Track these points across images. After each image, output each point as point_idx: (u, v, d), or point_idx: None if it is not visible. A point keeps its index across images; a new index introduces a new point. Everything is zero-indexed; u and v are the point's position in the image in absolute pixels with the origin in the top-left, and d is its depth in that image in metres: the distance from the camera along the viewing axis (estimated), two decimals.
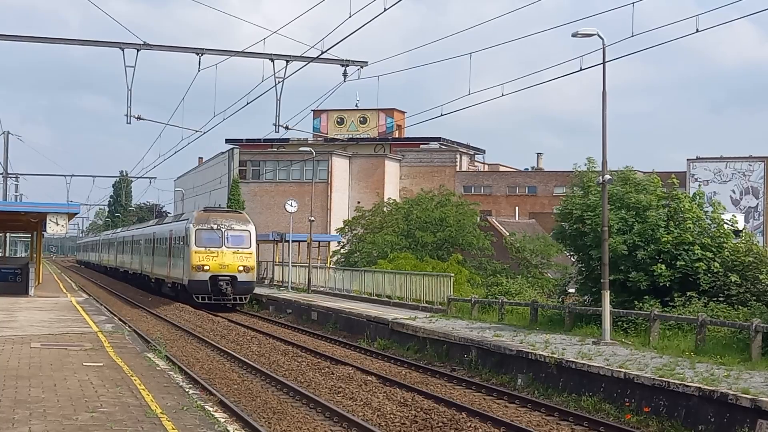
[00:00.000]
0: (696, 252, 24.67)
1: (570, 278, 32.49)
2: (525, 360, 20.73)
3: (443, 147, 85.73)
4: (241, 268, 41.21)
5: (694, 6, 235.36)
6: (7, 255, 69.38)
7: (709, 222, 26.06)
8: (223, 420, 12.96)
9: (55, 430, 11.23)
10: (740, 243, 25.54)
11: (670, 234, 25.14)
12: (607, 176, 23.17)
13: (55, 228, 36.31)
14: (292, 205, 47.99)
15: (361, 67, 25.78)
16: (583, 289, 27.99)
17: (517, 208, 79.21)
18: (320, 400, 17.54)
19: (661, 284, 24.69)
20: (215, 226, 42.05)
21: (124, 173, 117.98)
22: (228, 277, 40.98)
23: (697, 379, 16.32)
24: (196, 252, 41.30)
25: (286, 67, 25.81)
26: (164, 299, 46.38)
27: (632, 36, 20.03)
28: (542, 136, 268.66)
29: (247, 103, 28.95)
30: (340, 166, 78.92)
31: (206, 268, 40.99)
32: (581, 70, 21.34)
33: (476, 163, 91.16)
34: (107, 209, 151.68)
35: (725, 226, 26.00)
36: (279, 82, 25.97)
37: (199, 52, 25.75)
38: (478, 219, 57.63)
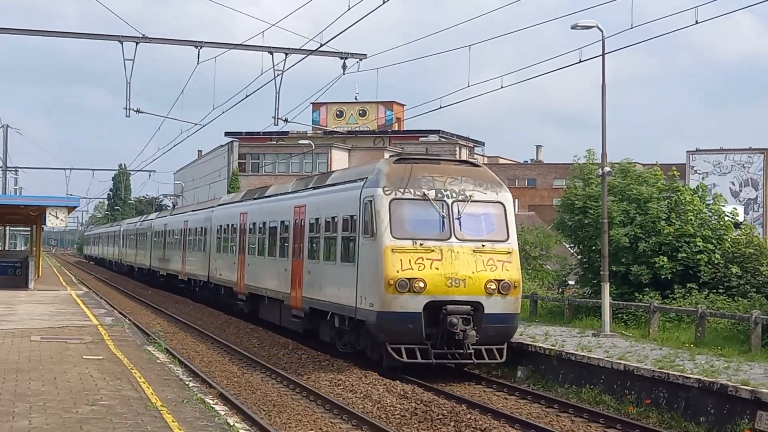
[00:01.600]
0: (698, 244, 24.70)
1: (570, 270, 32.50)
2: (525, 352, 20.71)
3: (442, 139, 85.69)
4: (491, 286, 19.74)
5: None
6: (6, 248, 69.40)
7: (710, 214, 26.09)
8: (223, 413, 12.97)
9: (55, 423, 11.23)
10: (741, 235, 25.59)
11: (671, 226, 25.17)
12: (607, 168, 23.18)
13: (54, 221, 36.31)
14: None
15: (360, 59, 25.76)
16: (584, 281, 28.03)
17: (516, 200, 79.17)
18: (320, 393, 17.54)
19: (662, 276, 24.71)
20: (433, 194, 20.27)
21: (123, 166, 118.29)
22: (467, 306, 19.60)
23: (696, 370, 16.33)
24: (393, 250, 19.58)
25: (285, 59, 25.80)
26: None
27: (632, 27, 20.02)
28: (542, 129, 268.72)
29: (246, 96, 28.91)
30: (339, 158, 78.89)
31: (418, 286, 19.32)
32: (580, 61, 21.33)
33: (476, 156, 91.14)
34: (107, 202, 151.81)
35: (726, 218, 26.05)
36: (278, 75, 25.96)
37: (198, 45, 25.73)
38: None
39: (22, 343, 19.32)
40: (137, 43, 25.08)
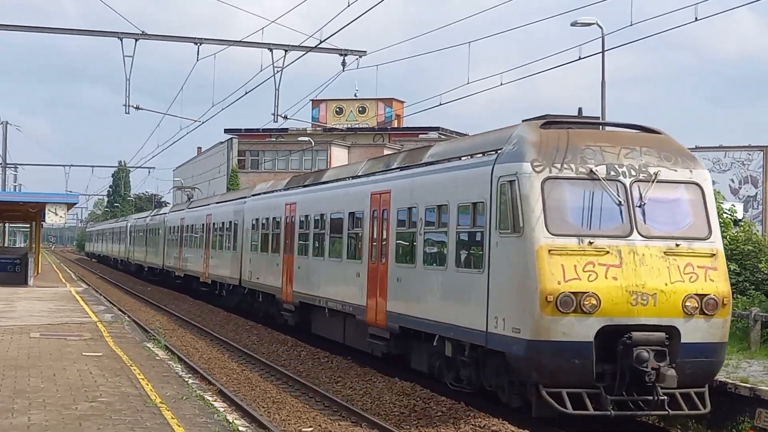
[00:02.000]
0: None
1: None
2: None
3: (442, 136, 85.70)
4: (692, 304, 13.63)
5: None
6: (6, 245, 69.42)
7: None
8: (222, 409, 12.98)
9: (54, 419, 11.24)
10: (739, 232, 25.62)
11: None
12: None
13: (54, 218, 36.35)
14: None
15: (360, 56, 25.78)
16: None
17: None
18: (320, 390, 17.55)
19: None
20: (604, 171, 14.09)
21: (123, 163, 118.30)
22: (660, 333, 13.53)
23: None
24: (551, 251, 13.45)
25: (284, 56, 25.84)
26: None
27: (631, 25, 20.04)
28: None
29: (246, 93, 28.98)
30: (338, 155, 78.88)
31: (590, 303, 13.25)
32: (580, 58, 21.38)
33: None
34: (106, 199, 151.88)
35: (725, 215, 26.08)
36: (277, 72, 26.00)
37: (198, 41, 25.75)
38: None
39: (22, 340, 19.33)
40: (137, 40, 25.12)
